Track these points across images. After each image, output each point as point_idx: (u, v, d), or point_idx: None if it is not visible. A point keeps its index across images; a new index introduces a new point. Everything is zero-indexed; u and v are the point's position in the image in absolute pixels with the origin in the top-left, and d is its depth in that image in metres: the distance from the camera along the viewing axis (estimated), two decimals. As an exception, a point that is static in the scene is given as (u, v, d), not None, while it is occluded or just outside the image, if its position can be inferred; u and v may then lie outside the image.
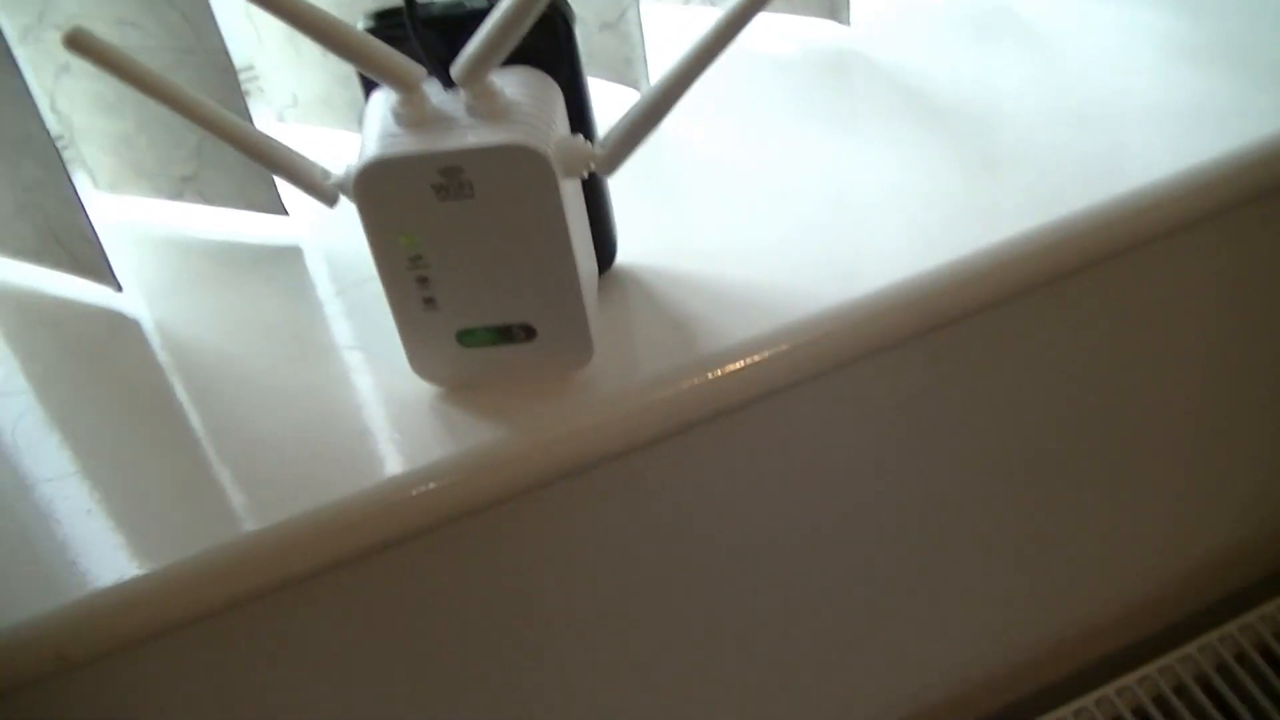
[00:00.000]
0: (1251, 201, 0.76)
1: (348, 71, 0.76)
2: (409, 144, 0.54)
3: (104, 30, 0.70)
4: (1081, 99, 0.78)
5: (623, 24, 0.76)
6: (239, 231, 0.77)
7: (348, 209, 0.57)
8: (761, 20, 0.53)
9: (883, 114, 0.78)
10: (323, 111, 0.80)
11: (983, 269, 0.67)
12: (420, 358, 0.62)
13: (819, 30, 0.86)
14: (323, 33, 0.52)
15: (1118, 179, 0.71)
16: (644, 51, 0.77)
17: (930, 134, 0.76)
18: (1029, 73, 0.81)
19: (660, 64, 0.76)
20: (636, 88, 0.78)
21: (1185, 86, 0.77)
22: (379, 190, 0.55)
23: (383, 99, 0.57)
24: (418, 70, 0.54)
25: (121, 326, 0.72)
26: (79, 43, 0.53)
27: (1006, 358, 0.79)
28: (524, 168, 0.54)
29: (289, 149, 0.58)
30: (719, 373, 0.63)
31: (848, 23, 0.84)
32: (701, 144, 0.77)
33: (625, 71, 0.78)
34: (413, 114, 0.55)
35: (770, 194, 0.73)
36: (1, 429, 0.66)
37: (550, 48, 0.57)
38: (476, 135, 0.54)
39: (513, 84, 0.56)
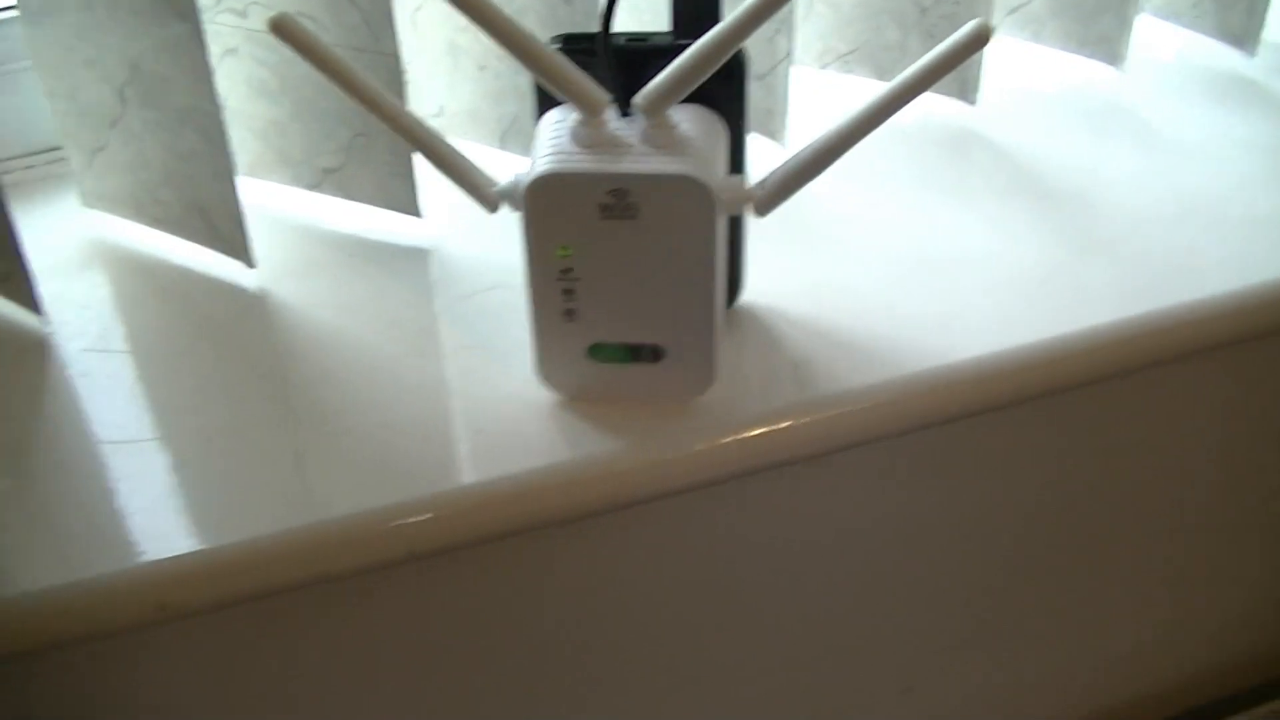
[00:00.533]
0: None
1: (499, 90, 0.79)
2: (584, 162, 0.57)
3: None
4: (1183, 198, 0.81)
5: (772, 77, 0.80)
6: (369, 228, 0.80)
7: (487, 221, 0.59)
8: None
9: (997, 191, 0.82)
10: (468, 125, 0.83)
11: (1074, 348, 0.70)
12: (549, 365, 0.65)
13: (946, 107, 0.89)
14: (525, 51, 0.55)
15: (1203, 280, 0.74)
16: (786, 105, 0.80)
17: (1038, 214, 0.80)
18: (1137, 167, 0.84)
19: (794, 119, 0.79)
20: (774, 137, 0.82)
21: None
22: (548, 201, 0.58)
23: (559, 117, 0.60)
24: (604, 96, 0.57)
25: (245, 303, 0.75)
26: (284, 29, 0.57)
27: (1079, 438, 0.82)
28: (690, 199, 0.57)
29: (463, 155, 0.61)
30: (828, 414, 0.66)
31: (974, 103, 0.88)
32: (828, 199, 0.80)
33: (766, 121, 0.81)
34: (592, 135, 0.58)
35: (887, 253, 0.76)
36: (118, 388, 0.69)
37: (724, 90, 0.61)
38: (651, 163, 0.57)
39: (686, 119, 0.59)
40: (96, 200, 0.81)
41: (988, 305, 0.72)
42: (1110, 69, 0.94)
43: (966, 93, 0.88)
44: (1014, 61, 0.96)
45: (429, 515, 0.62)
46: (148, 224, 0.79)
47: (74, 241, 0.80)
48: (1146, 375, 0.78)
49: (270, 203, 0.82)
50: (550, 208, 0.58)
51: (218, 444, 0.65)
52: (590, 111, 0.57)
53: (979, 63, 0.86)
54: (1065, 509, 0.86)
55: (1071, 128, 0.89)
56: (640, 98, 0.57)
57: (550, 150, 0.58)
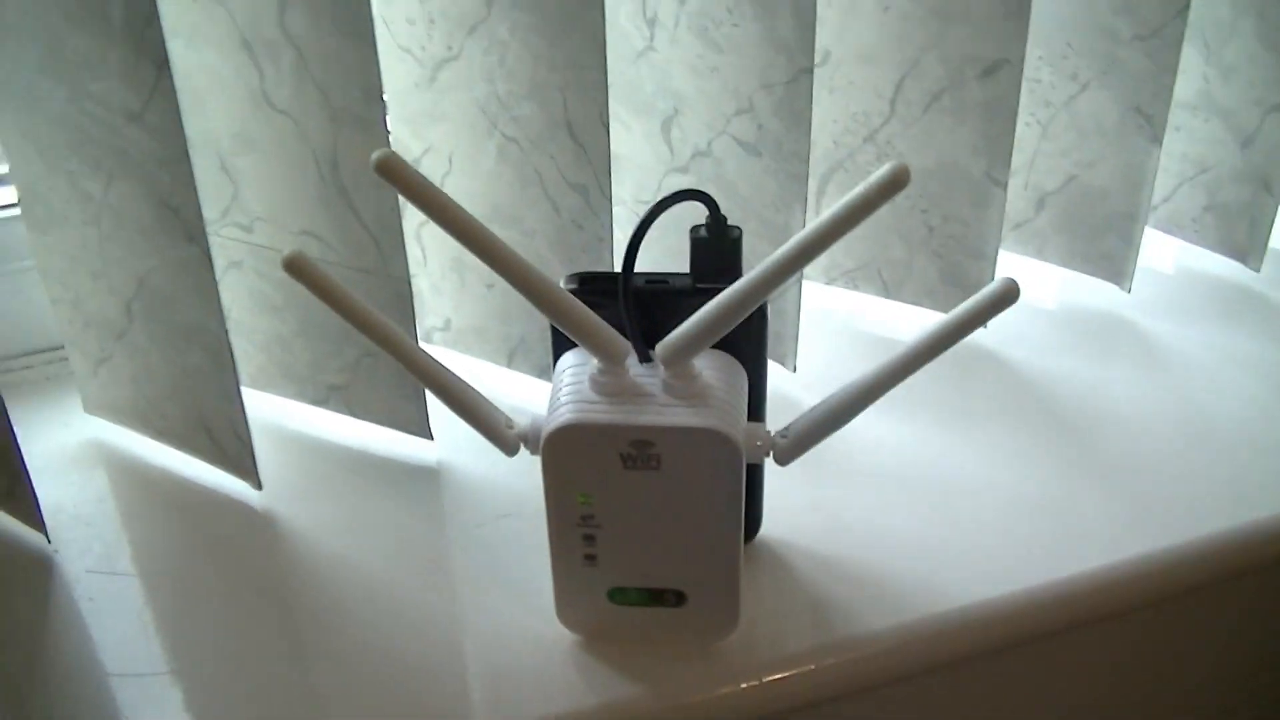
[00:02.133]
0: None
1: (507, 308, 0.79)
2: (605, 412, 0.57)
3: (283, 239, 0.73)
4: (1190, 424, 0.81)
5: (781, 301, 0.79)
6: (374, 442, 0.79)
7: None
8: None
9: (1007, 415, 0.82)
10: (473, 341, 0.82)
11: (1094, 584, 0.70)
12: (568, 607, 0.63)
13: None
14: (541, 298, 0.54)
15: (1222, 510, 0.74)
16: (796, 330, 0.80)
17: (1050, 440, 0.79)
18: (1143, 389, 0.84)
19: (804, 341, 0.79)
20: (782, 362, 0.81)
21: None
22: (568, 451, 0.57)
23: (578, 361, 0.60)
24: (625, 346, 0.57)
25: (251, 524, 0.73)
26: (297, 267, 0.56)
27: (1099, 671, 0.80)
28: (715, 450, 0.56)
29: (479, 395, 0.60)
30: (850, 656, 0.65)
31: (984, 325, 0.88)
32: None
33: (776, 346, 0.81)
34: (612, 384, 0.57)
35: (901, 482, 0.76)
36: (124, 614, 0.67)
37: (744, 335, 0.60)
38: (675, 415, 0.56)
39: (708, 366, 0.59)
40: (100, 409, 0.80)
41: (998, 539, 0.72)
42: (1113, 287, 0.94)
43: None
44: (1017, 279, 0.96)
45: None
46: (152, 436, 0.78)
47: (76, 446, 0.79)
48: (1160, 609, 0.77)
49: (277, 413, 0.81)
50: (571, 457, 0.58)
51: (227, 681, 0.63)
52: (610, 361, 0.57)
53: (984, 283, 0.86)
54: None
55: (1077, 347, 0.90)
56: (663, 348, 0.57)
57: (570, 398, 0.58)
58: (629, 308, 0.58)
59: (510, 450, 0.61)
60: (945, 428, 0.80)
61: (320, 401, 0.79)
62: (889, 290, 0.90)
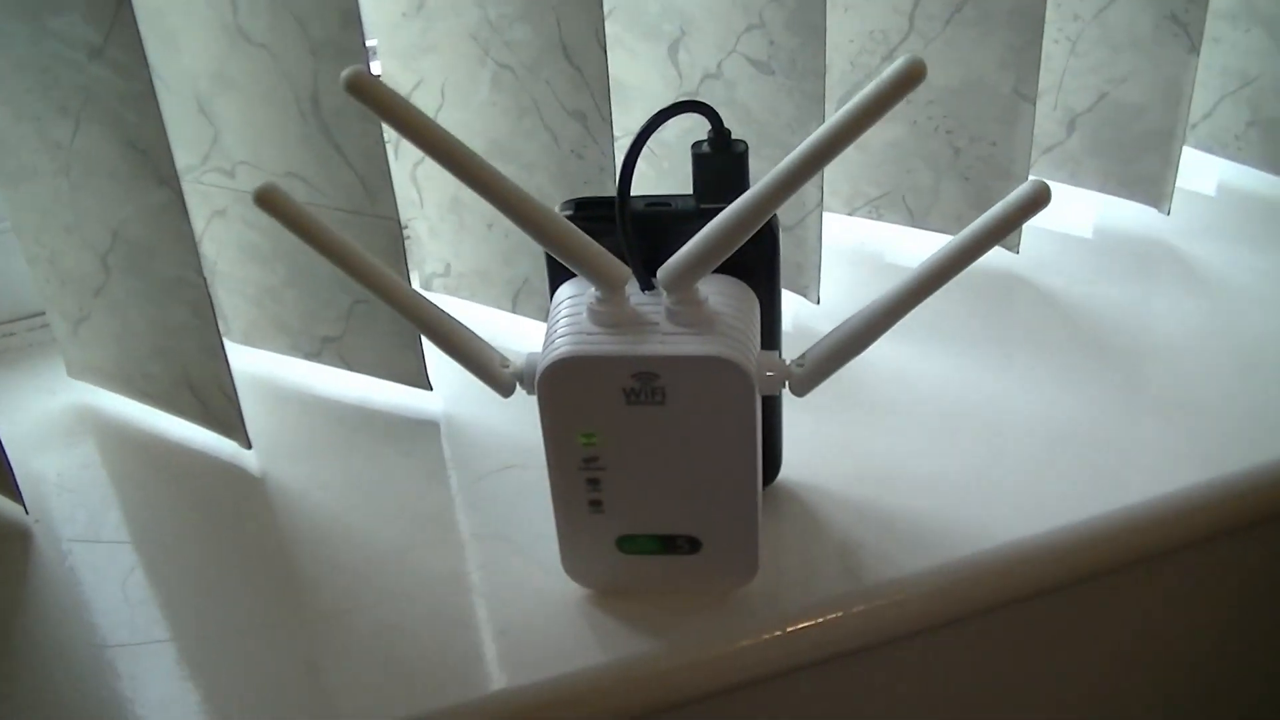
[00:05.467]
0: None
1: (510, 248, 0.75)
2: (604, 344, 0.52)
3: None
4: (1242, 351, 0.76)
5: (800, 229, 0.75)
6: (372, 397, 0.75)
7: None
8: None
9: (1045, 345, 0.77)
10: (476, 285, 0.78)
11: (1139, 521, 0.65)
12: (575, 559, 0.59)
13: (988, 255, 0.84)
14: (533, 223, 0.50)
15: (1276, 439, 0.69)
16: (818, 259, 0.75)
17: (1092, 371, 0.74)
18: (1189, 316, 0.79)
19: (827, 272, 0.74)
20: (804, 294, 0.77)
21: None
22: (566, 387, 0.53)
23: (575, 292, 0.55)
24: (624, 271, 0.52)
25: (245, 486, 0.69)
26: (269, 201, 0.51)
27: (1152, 612, 0.75)
28: (724, 381, 0.52)
29: (469, 331, 0.56)
30: (881, 603, 0.60)
31: (1017, 250, 0.83)
32: (861, 360, 0.75)
33: (795, 277, 0.76)
34: (612, 313, 0.53)
35: (931, 416, 0.71)
36: (109, 583, 0.63)
37: (754, 258, 0.56)
38: (679, 344, 0.52)
39: (715, 292, 0.54)
40: (82, 371, 0.76)
41: (1041, 475, 0.67)
42: (1153, 210, 0.88)
43: (1009, 240, 0.83)
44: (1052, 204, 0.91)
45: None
46: (137, 398, 0.74)
47: (60, 412, 0.75)
48: (1214, 546, 0.71)
49: (271, 371, 0.77)
50: (569, 393, 0.53)
51: (221, 649, 0.59)
52: (609, 288, 0.52)
53: (1018, 207, 0.81)
54: (1130, 692, 0.79)
55: (1115, 274, 0.84)
56: (664, 273, 0.52)
57: (567, 330, 0.53)
58: (626, 229, 0.53)
59: (506, 391, 0.56)
60: (979, 360, 0.75)
61: (314, 355, 0.75)
62: (915, 218, 0.85)
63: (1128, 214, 0.90)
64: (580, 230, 0.51)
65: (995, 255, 0.83)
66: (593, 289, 0.53)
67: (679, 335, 0.52)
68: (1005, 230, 0.50)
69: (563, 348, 0.52)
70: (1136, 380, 0.74)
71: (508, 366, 0.56)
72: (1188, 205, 0.90)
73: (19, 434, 0.73)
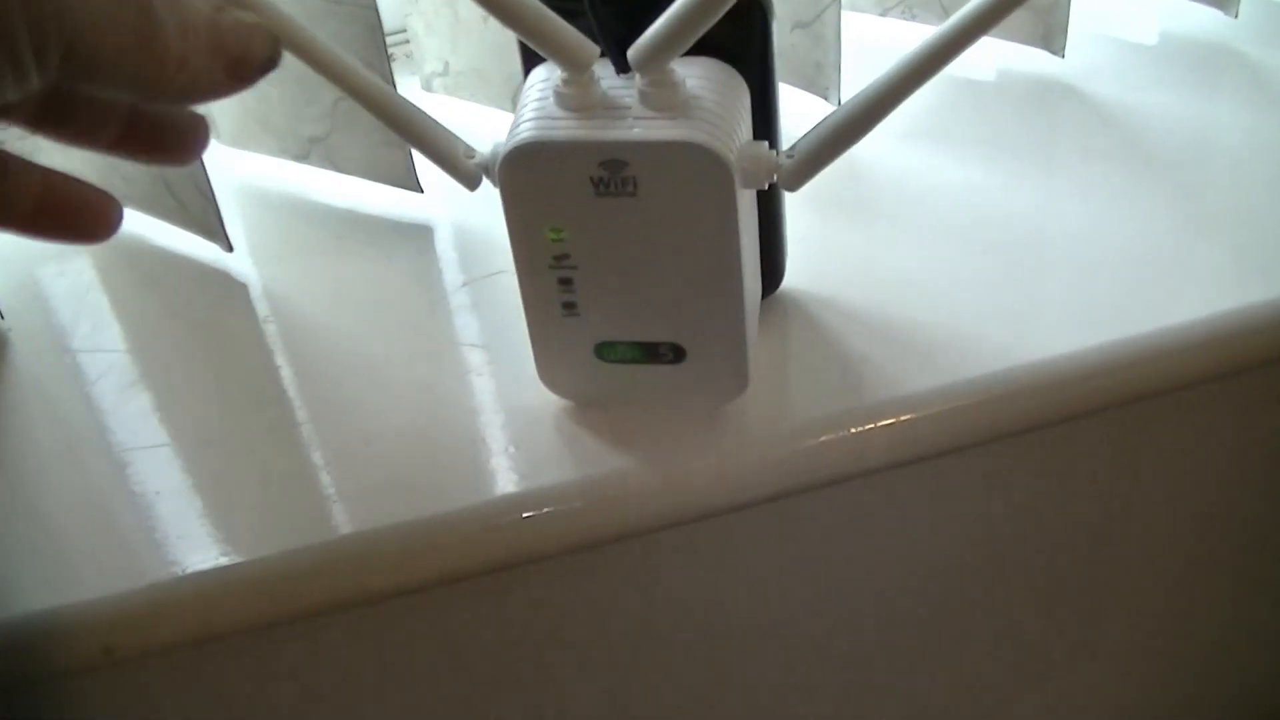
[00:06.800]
0: None
1: (508, 42, 0.69)
2: (570, 129, 0.47)
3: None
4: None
5: (818, 25, 0.68)
6: (364, 201, 0.71)
7: (491, 192, 0.50)
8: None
9: (1088, 156, 0.71)
10: (475, 84, 0.73)
11: (1182, 342, 0.59)
12: (550, 367, 0.55)
13: (1028, 58, 0.78)
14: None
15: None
16: (838, 58, 0.69)
17: (1138, 183, 0.68)
18: (1256, 128, 0.72)
19: (849, 74, 0.69)
20: (824, 96, 0.71)
21: None
22: (529, 176, 0.48)
23: (544, 76, 0.50)
24: (591, 49, 0.47)
25: (229, 290, 0.66)
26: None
27: (1203, 438, 0.70)
28: (699, 170, 0.47)
29: (431, 119, 0.51)
30: (884, 423, 0.56)
31: (1062, 54, 0.76)
32: (887, 166, 0.69)
33: (814, 77, 0.70)
34: (579, 96, 0.48)
35: (955, 230, 0.65)
36: (87, 388, 0.61)
37: (742, 40, 0.50)
38: (649, 128, 0.47)
39: (696, 75, 0.49)
40: (60, 173, 0.72)
41: (1077, 293, 0.61)
42: (1219, 14, 0.81)
43: (1052, 42, 0.76)
44: (1107, 5, 0.84)
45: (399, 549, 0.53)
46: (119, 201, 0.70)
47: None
48: (1268, 371, 0.66)
49: (258, 174, 0.73)
50: (532, 183, 0.49)
51: (207, 459, 0.57)
52: (575, 68, 0.47)
53: (1067, 6, 0.74)
54: (1160, 534, 0.74)
55: (1174, 82, 0.77)
56: (635, 51, 0.47)
57: (531, 115, 0.48)
58: (594, 2, 0.47)
59: (471, 183, 0.52)
60: (1016, 172, 0.69)
61: (302, 156, 0.71)
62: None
63: (1191, 16, 0.82)
64: (544, 6, 0.46)
65: (1038, 60, 0.77)
66: (559, 71, 0.48)
67: (650, 119, 0.47)
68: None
69: (525, 133, 0.48)
70: (1191, 195, 0.67)
71: (473, 157, 0.51)
72: (1258, 8, 0.83)
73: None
